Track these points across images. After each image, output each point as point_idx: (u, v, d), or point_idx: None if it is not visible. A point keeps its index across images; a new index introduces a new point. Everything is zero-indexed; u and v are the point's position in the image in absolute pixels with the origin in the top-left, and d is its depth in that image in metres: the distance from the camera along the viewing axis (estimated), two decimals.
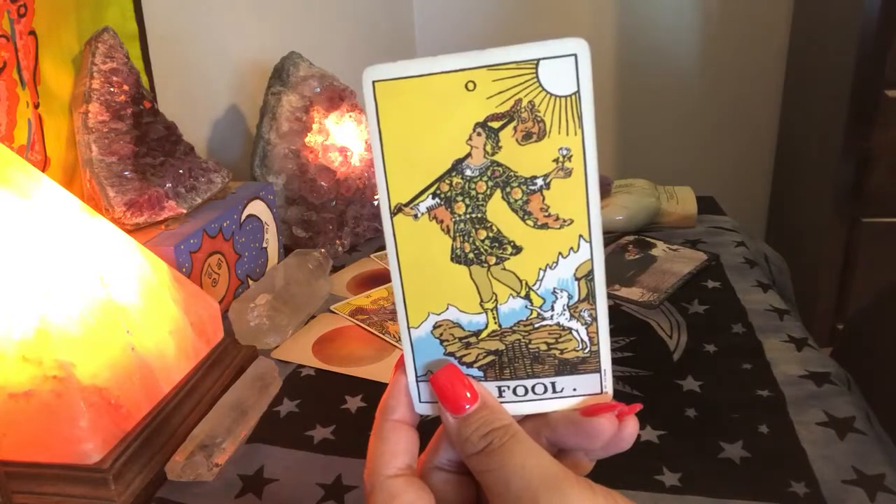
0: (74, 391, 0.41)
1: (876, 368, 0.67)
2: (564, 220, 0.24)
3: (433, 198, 0.24)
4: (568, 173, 0.24)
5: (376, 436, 0.28)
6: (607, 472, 0.44)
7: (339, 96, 0.80)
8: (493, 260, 0.25)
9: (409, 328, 0.26)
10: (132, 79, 0.64)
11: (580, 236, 0.24)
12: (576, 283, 0.25)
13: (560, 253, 0.25)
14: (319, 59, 0.83)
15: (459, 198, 0.24)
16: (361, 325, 0.64)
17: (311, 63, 0.80)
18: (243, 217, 0.70)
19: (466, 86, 0.23)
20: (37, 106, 0.59)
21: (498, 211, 0.24)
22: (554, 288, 0.25)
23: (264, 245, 0.74)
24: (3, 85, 0.55)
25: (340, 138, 0.81)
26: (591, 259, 0.24)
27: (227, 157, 0.89)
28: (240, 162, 0.90)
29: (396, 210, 0.25)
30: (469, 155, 0.24)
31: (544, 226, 0.24)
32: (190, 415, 0.50)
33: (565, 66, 0.23)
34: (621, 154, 1.57)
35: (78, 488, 0.43)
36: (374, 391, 0.54)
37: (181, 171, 0.66)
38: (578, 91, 0.23)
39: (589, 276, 0.25)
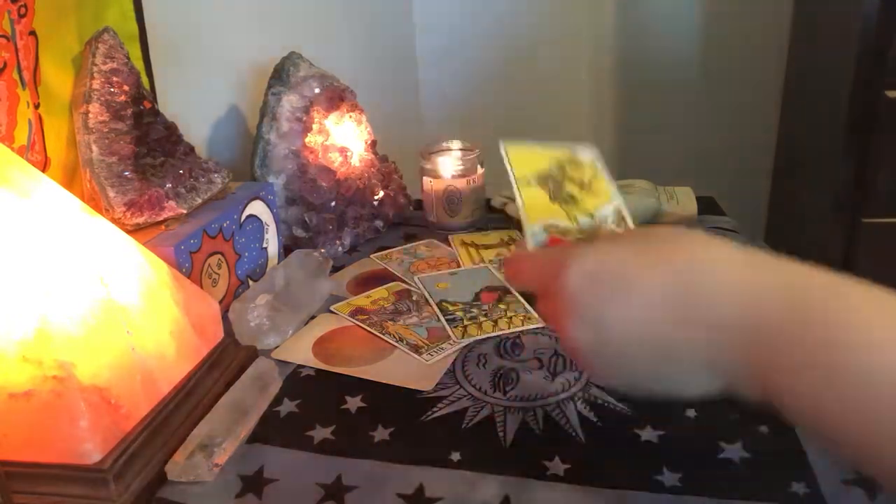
0: (74, 391, 0.41)
1: None
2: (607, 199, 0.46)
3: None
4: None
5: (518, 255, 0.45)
6: (608, 471, 0.44)
7: (339, 96, 0.80)
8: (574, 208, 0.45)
9: (529, 224, 0.44)
10: (132, 79, 0.64)
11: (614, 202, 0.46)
12: (614, 214, 0.45)
13: (606, 204, 0.46)
14: (319, 59, 0.83)
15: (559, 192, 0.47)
16: (361, 325, 0.64)
17: (312, 63, 0.80)
18: (243, 217, 0.70)
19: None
20: (37, 106, 0.59)
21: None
22: (605, 214, 0.45)
23: (264, 245, 0.74)
24: (4, 85, 0.55)
25: (340, 138, 0.81)
26: (620, 208, 0.46)
27: (227, 157, 0.89)
28: (240, 162, 0.90)
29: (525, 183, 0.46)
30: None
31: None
32: (190, 415, 0.50)
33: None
34: (621, 154, 1.57)
35: (78, 488, 0.43)
36: (374, 391, 0.54)
37: (181, 171, 0.66)
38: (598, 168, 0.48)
39: (620, 214, 0.45)
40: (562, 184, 0.48)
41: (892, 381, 0.28)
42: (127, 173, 0.63)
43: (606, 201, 0.46)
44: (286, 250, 0.77)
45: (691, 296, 0.33)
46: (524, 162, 0.48)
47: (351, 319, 0.65)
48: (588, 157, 0.49)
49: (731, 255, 0.34)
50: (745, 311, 0.32)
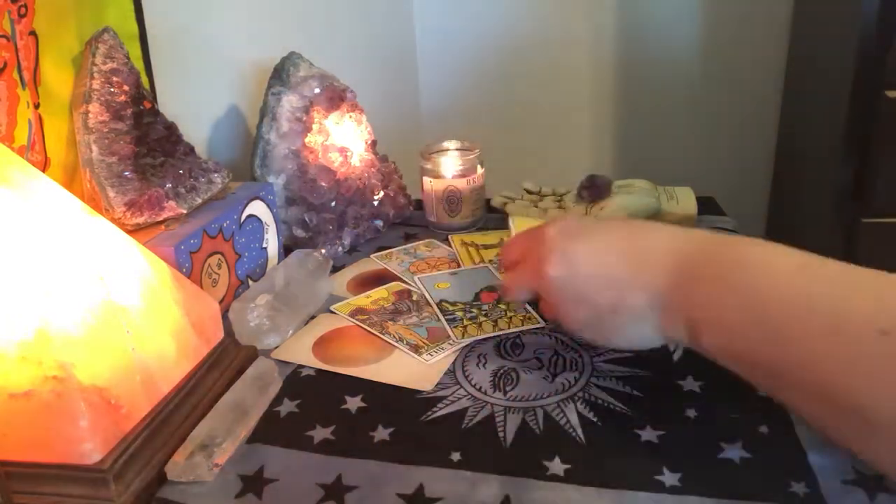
0: (74, 391, 0.41)
1: None
2: None
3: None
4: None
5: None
6: (608, 471, 0.44)
7: (339, 96, 0.80)
8: None
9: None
10: (132, 79, 0.64)
11: None
12: None
13: None
14: (319, 59, 0.83)
15: None
16: (361, 325, 0.64)
17: (312, 63, 0.80)
18: (243, 217, 0.70)
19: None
20: (37, 106, 0.59)
21: None
22: None
23: (264, 245, 0.74)
24: (4, 85, 0.55)
25: (340, 138, 0.81)
26: None
27: (227, 157, 0.89)
28: (240, 162, 0.90)
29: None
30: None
31: None
32: (190, 415, 0.50)
33: None
34: (621, 154, 1.57)
35: (78, 488, 0.43)
36: (374, 391, 0.54)
37: (181, 171, 0.66)
38: None
39: None
40: None
41: (779, 296, 0.39)
42: (127, 173, 0.63)
43: None
44: (286, 250, 0.77)
45: (639, 248, 0.45)
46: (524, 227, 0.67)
47: (351, 319, 0.65)
48: None
49: (672, 228, 0.46)
50: (675, 258, 0.43)
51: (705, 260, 0.43)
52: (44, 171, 0.60)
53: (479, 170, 0.84)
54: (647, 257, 0.45)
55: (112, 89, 0.63)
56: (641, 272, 0.44)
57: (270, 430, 0.50)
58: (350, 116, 0.82)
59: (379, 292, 0.70)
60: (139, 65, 0.71)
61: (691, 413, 0.49)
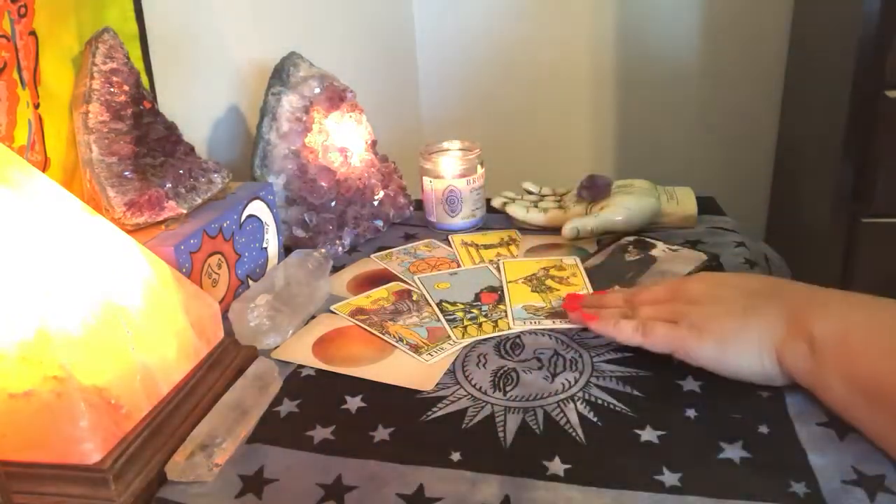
0: (74, 391, 0.41)
1: None
2: None
3: None
4: None
5: None
6: (608, 471, 0.44)
7: (339, 96, 0.80)
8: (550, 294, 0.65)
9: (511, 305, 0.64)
10: (132, 79, 0.64)
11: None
12: None
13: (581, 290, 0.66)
14: (319, 59, 0.83)
15: None
16: (361, 325, 0.64)
17: (312, 63, 0.80)
18: (243, 217, 0.70)
19: None
20: (37, 106, 0.59)
21: None
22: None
23: (264, 245, 0.74)
24: (4, 85, 0.55)
25: (340, 139, 0.81)
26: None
27: (227, 157, 0.89)
28: (240, 162, 0.90)
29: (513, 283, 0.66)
30: None
31: None
32: (190, 415, 0.50)
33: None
34: (621, 154, 1.57)
35: (78, 488, 0.43)
36: (374, 391, 0.54)
37: (181, 171, 0.66)
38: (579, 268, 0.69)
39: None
40: (543, 280, 0.68)
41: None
42: (127, 173, 0.63)
43: (580, 289, 0.67)
44: (286, 250, 0.77)
45: (777, 287, 0.52)
46: (514, 270, 0.71)
47: (351, 319, 0.65)
48: (571, 262, 0.71)
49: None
50: (803, 294, 0.49)
51: (827, 292, 0.49)
52: (44, 171, 0.60)
53: (479, 170, 0.84)
54: (784, 293, 0.50)
55: (112, 89, 0.63)
56: (778, 302, 0.49)
57: (270, 430, 0.50)
58: (350, 116, 0.82)
59: (379, 292, 0.70)
60: (139, 65, 0.71)
61: (691, 413, 0.49)
